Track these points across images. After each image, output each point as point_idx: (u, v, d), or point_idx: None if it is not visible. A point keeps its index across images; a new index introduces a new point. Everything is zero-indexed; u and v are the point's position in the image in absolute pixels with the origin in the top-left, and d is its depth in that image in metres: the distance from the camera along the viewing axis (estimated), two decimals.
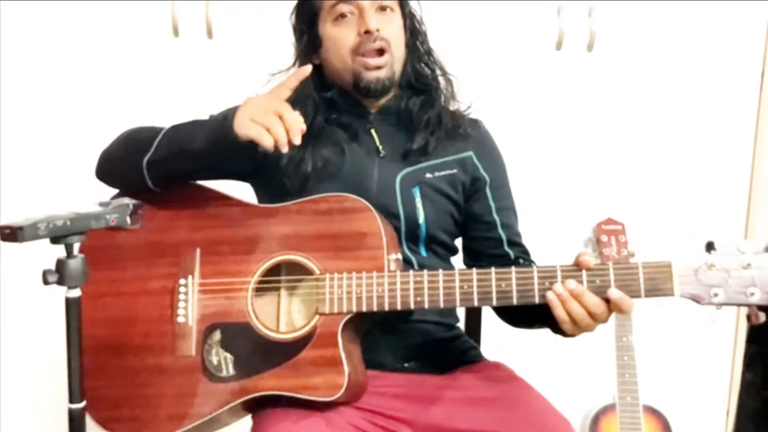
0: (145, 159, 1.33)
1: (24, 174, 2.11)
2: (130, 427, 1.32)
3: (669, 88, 2.12)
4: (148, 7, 2.04)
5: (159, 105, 2.05)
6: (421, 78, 1.46)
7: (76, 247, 1.08)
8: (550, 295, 1.19)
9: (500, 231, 1.46)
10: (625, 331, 1.89)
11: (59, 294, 1.10)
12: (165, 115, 1.96)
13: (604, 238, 1.85)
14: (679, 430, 2.07)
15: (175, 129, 1.36)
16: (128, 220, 1.12)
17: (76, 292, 1.08)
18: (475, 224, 1.47)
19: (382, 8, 1.39)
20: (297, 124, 1.22)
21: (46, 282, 1.06)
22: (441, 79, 1.48)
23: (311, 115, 1.41)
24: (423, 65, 1.47)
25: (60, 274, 1.06)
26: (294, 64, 1.46)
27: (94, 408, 1.28)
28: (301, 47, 1.45)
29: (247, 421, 1.36)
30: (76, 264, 1.07)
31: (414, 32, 1.46)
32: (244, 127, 1.24)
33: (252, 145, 1.25)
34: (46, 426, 2.14)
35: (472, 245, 1.49)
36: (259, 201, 1.49)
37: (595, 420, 2.06)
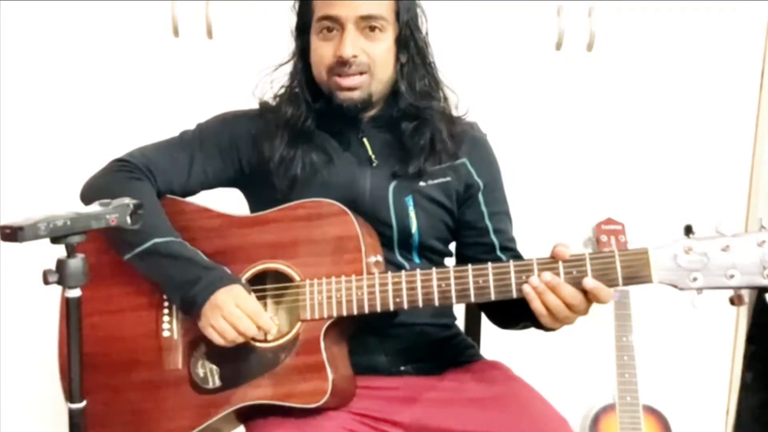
0: (126, 256, 1.31)
1: (24, 174, 2.11)
2: None
3: (669, 88, 2.12)
4: (148, 7, 2.03)
5: (159, 105, 2.05)
6: (415, 101, 1.37)
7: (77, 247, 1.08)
8: (526, 288, 1.18)
9: (492, 236, 1.44)
10: (625, 331, 1.89)
11: (59, 294, 1.10)
12: (165, 115, 1.96)
13: (603, 238, 1.85)
14: (679, 430, 2.07)
15: (156, 253, 1.29)
16: (128, 220, 1.12)
17: (76, 292, 1.08)
18: (468, 230, 1.46)
19: (371, 27, 1.32)
20: (248, 337, 1.26)
21: (46, 282, 1.06)
22: (438, 100, 1.41)
23: (303, 116, 1.39)
24: (421, 83, 1.39)
25: (60, 274, 1.06)
26: (290, 60, 1.44)
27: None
28: (296, 47, 1.42)
29: (241, 430, 1.36)
30: (76, 264, 1.07)
31: (410, 49, 1.38)
32: (204, 328, 1.26)
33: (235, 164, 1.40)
34: (46, 426, 2.14)
35: (465, 251, 1.48)
36: (250, 206, 1.49)
37: (595, 420, 2.06)
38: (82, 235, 1.07)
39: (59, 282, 1.06)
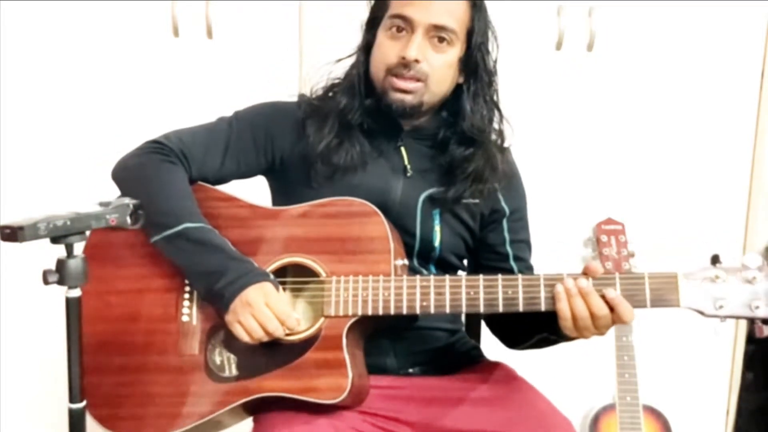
0: (154, 238, 1.30)
1: (24, 174, 2.11)
2: (130, 425, 1.32)
3: (669, 89, 2.12)
4: (148, 7, 2.03)
5: (159, 105, 2.06)
6: (475, 127, 1.37)
7: (76, 247, 1.08)
8: (558, 287, 1.19)
9: (512, 263, 1.45)
10: (625, 331, 1.89)
11: (59, 294, 1.10)
12: (165, 115, 1.96)
13: (604, 238, 1.85)
14: (679, 430, 2.07)
15: (185, 238, 1.28)
16: (128, 220, 1.12)
17: (76, 292, 1.08)
18: (488, 253, 1.46)
19: (440, 39, 1.32)
20: (273, 336, 1.24)
21: (46, 282, 1.06)
22: (494, 131, 1.41)
23: (354, 108, 1.38)
24: (482, 110, 1.39)
25: (60, 274, 1.06)
26: (353, 54, 1.43)
27: (94, 406, 1.28)
28: (362, 41, 1.41)
29: (248, 423, 1.36)
30: (76, 264, 1.07)
31: (478, 73, 1.37)
32: (230, 323, 1.25)
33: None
34: (46, 426, 2.14)
35: (482, 273, 1.47)
36: (273, 197, 1.48)
37: (595, 420, 2.06)
38: (81, 234, 1.07)
39: (59, 282, 1.07)
